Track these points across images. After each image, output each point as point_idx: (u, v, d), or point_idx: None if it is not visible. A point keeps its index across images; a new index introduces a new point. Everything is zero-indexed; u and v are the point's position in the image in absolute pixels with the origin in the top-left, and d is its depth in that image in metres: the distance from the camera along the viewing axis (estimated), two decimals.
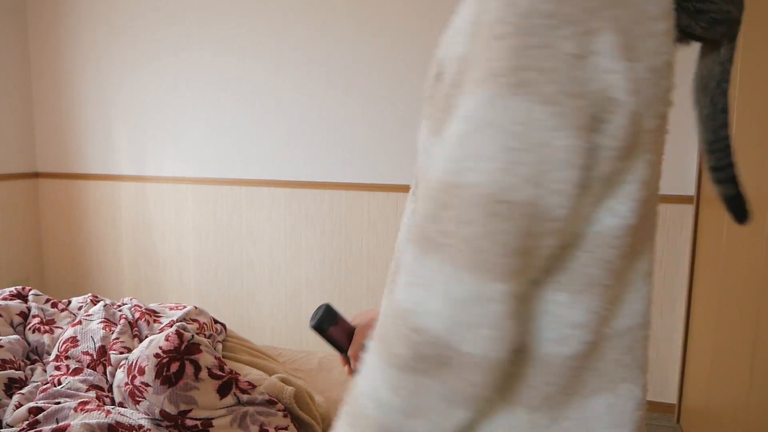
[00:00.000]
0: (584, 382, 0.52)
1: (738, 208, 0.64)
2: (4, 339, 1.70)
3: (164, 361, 1.41)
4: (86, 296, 2.07)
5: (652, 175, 0.50)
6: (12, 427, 1.36)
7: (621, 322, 0.53)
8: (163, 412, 1.39)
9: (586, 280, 0.49)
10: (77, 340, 1.71)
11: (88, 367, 1.63)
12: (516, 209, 0.44)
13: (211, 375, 1.45)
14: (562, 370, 0.50)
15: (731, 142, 0.62)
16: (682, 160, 2.51)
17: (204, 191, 3.17)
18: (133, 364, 1.45)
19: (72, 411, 1.36)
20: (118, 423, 1.31)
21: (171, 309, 1.99)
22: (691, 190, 2.51)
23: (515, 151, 0.43)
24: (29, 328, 1.86)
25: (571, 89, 0.43)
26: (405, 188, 2.86)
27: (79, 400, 1.41)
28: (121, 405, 1.49)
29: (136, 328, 1.84)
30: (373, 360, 0.50)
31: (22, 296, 2.01)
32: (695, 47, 0.63)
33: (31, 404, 1.40)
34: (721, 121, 0.62)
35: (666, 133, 0.54)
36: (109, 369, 1.63)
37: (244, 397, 1.47)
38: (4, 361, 1.63)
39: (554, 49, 0.42)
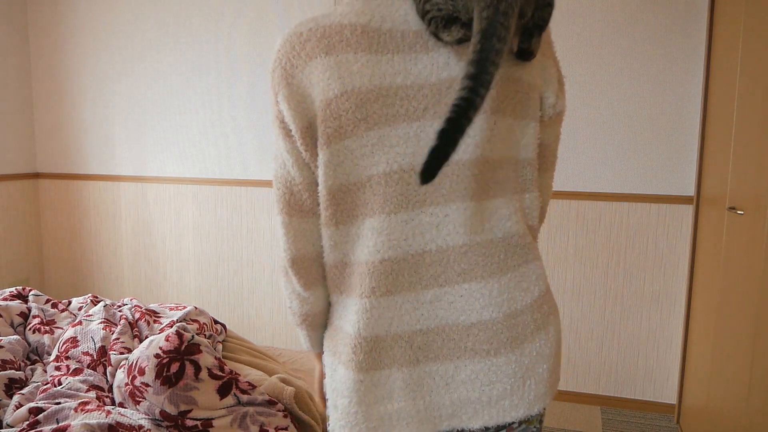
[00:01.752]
0: (341, 285, 0.88)
1: (429, 162, 0.70)
2: (5, 339, 1.71)
3: (164, 361, 1.41)
4: (86, 296, 2.07)
5: (332, 159, 0.81)
6: (12, 427, 1.36)
7: (356, 256, 0.85)
8: (163, 413, 1.39)
9: (322, 220, 0.86)
10: (77, 341, 1.72)
11: (88, 367, 1.63)
12: (280, 180, 0.87)
13: (211, 375, 1.45)
14: (331, 274, 0.88)
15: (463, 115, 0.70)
16: (682, 160, 2.51)
17: (204, 191, 3.17)
18: (134, 364, 1.45)
19: (72, 411, 1.36)
20: (118, 423, 1.31)
21: (171, 309, 1.99)
22: (691, 190, 2.51)
23: (276, 151, 0.88)
24: (29, 329, 1.86)
25: (277, 120, 0.85)
26: None
27: (80, 401, 1.41)
28: (121, 405, 1.49)
29: (136, 329, 1.84)
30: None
31: (22, 297, 2.01)
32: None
33: (32, 404, 1.40)
34: (454, 111, 0.70)
35: (348, 135, 0.79)
36: (109, 369, 1.63)
37: (244, 398, 1.47)
38: (4, 361, 1.63)
39: (273, 103, 0.85)
